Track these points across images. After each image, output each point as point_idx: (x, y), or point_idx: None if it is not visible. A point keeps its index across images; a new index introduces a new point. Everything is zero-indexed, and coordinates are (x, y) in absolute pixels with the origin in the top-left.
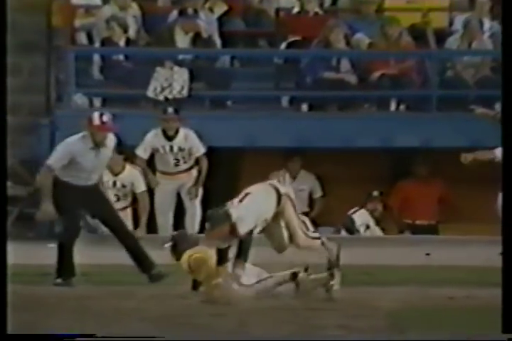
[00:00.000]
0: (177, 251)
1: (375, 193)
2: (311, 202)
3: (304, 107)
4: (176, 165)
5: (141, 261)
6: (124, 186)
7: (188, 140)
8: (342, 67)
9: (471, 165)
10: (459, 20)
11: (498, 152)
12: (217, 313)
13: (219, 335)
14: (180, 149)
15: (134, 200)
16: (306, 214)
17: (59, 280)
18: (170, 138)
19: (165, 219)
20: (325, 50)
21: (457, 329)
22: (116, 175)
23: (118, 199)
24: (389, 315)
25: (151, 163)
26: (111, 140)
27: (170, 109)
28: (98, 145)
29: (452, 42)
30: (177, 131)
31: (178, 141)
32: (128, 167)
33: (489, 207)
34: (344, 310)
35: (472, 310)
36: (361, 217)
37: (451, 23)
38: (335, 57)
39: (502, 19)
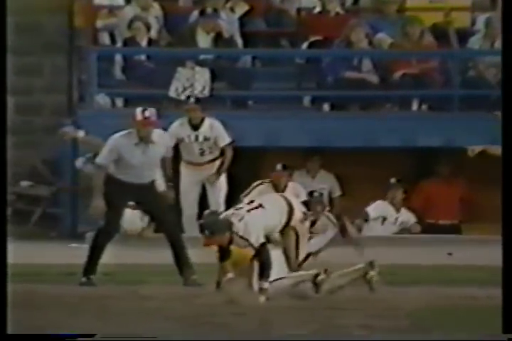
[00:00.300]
0: (208, 233)
1: (393, 180)
2: (331, 200)
3: (326, 107)
4: (202, 154)
5: (183, 264)
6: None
7: (214, 129)
8: (363, 67)
9: (477, 158)
10: (481, 19)
11: None
12: (238, 312)
13: (240, 334)
14: (206, 138)
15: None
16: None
17: (84, 280)
18: (195, 128)
19: (190, 210)
20: (346, 49)
21: (479, 330)
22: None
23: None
24: (411, 314)
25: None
26: (160, 136)
27: (191, 99)
28: (144, 140)
29: (474, 42)
30: (202, 121)
31: (204, 130)
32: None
33: None
34: (366, 310)
35: (494, 310)
36: (376, 209)
37: (473, 23)
38: (356, 57)
39: (502, 19)
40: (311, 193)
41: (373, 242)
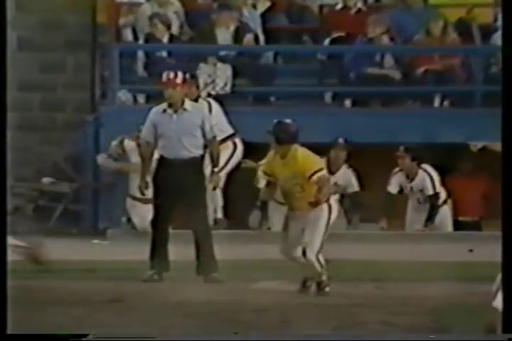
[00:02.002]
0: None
1: (401, 148)
2: (343, 196)
3: (348, 103)
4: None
5: (205, 259)
6: None
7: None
8: (386, 63)
9: (480, 154)
10: None
11: None
12: (259, 309)
13: (261, 331)
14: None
15: None
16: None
17: (150, 273)
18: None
19: None
20: (368, 45)
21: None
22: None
23: None
24: (432, 311)
25: None
26: (195, 106)
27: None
28: (173, 107)
29: (497, 38)
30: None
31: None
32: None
33: None
34: (387, 307)
35: None
36: (393, 185)
37: (496, 19)
38: (378, 53)
39: (502, 18)
40: None
41: (393, 238)
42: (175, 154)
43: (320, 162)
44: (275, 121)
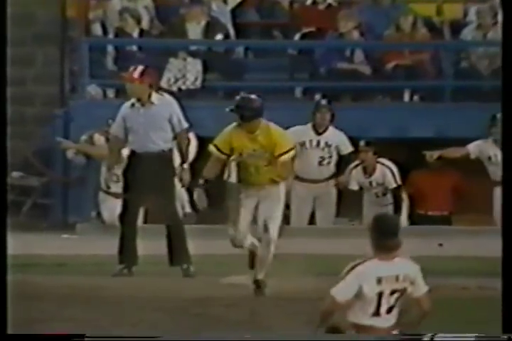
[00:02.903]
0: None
1: (362, 143)
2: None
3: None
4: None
5: (178, 252)
6: None
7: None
8: (356, 58)
9: (437, 163)
10: (474, 11)
11: (472, 147)
12: (229, 303)
13: (231, 326)
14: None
15: None
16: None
17: (120, 267)
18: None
19: None
20: (339, 40)
21: (470, 321)
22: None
23: None
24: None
25: None
26: (161, 99)
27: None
28: (140, 102)
29: (467, 34)
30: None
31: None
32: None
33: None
34: None
35: (485, 300)
36: (353, 182)
37: (465, 14)
38: (349, 48)
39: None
40: None
41: (359, 233)
42: (144, 148)
43: (292, 140)
44: (238, 97)
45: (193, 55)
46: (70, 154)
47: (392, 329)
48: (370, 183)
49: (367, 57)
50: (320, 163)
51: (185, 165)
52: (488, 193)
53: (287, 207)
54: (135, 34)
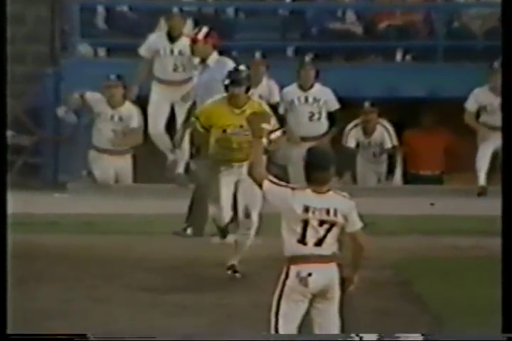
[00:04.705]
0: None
1: (367, 104)
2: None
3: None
4: (174, 70)
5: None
6: (121, 120)
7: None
8: (347, 19)
9: (429, 123)
10: None
11: (470, 104)
12: (220, 263)
13: (222, 286)
14: (181, 53)
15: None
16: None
17: (184, 225)
18: (172, 40)
19: (157, 129)
20: (330, 1)
21: (462, 279)
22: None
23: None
24: (394, 265)
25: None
26: (217, 61)
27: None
28: (201, 62)
29: None
30: (180, 34)
31: (181, 43)
32: (128, 102)
33: (495, 157)
34: (347, 260)
35: (477, 259)
36: (351, 139)
37: None
38: (340, 9)
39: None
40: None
41: (354, 192)
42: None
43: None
44: (228, 69)
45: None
46: (60, 112)
47: (330, 261)
48: (369, 143)
49: (359, 18)
50: (310, 119)
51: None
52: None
53: (284, 169)
54: None
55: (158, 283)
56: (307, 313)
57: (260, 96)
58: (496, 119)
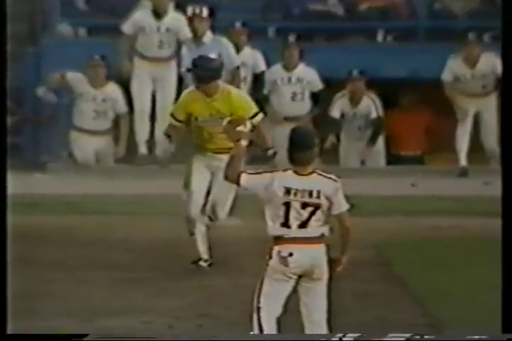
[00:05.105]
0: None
1: (355, 72)
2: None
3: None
4: (159, 47)
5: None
6: (104, 101)
7: (178, 21)
8: (329, 0)
9: (410, 103)
10: None
11: (446, 75)
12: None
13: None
14: (168, 30)
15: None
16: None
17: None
18: (159, 17)
19: (143, 105)
20: None
21: (443, 259)
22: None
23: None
24: (374, 245)
25: None
26: (212, 39)
27: None
28: (195, 39)
29: None
30: (167, 11)
31: (168, 21)
32: (111, 83)
33: (474, 137)
34: (330, 241)
35: (459, 239)
36: (336, 109)
37: None
38: None
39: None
40: None
41: (335, 173)
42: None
43: (255, 105)
44: (196, 56)
45: None
46: (40, 92)
47: (317, 242)
48: (355, 114)
49: (340, 0)
50: (293, 99)
51: None
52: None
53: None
54: None
55: (138, 263)
56: (296, 293)
57: (244, 64)
58: (471, 88)
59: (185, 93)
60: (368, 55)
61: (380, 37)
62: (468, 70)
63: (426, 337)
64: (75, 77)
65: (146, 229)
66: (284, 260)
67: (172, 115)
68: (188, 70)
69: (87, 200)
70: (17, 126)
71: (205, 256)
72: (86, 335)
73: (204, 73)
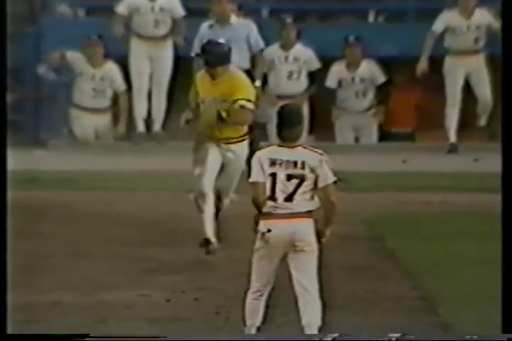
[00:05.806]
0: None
1: (351, 38)
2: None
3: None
4: (155, 26)
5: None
6: (102, 79)
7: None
8: None
9: (401, 80)
10: None
11: (438, 24)
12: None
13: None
14: (162, 9)
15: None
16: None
17: None
18: None
19: (140, 83)
20: None
21: (434, 233)
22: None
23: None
24: (366, 221)
25: None
26: (238, 21)
27: None
28: (218, 21)
29: None
30: None
31: (161, 0)
32: (109, 62)
33: (465, 114)
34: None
35: (448, 214)
36: (332, 78)
37: None
38: None
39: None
40: None
41: (328, 150)
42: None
43: (253, 93)
44: (205, 41)
45: None
46: (40, 70)
47: (305, 216)
48: (353, 79)
49: None
50: (289, 77)
51: (258, 83)
52: None
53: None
54: None
55: (137, 238)
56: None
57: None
58: (464, 42)
59: (197, 75)
60: (360, 35)
61: (371, 17)
62: (465, 21)
63: (424, 337)
64: (74, 56)
65: (145, 205)
66: (263, 236)
67: (189, 100)
68: (197, 55)
69: (86, 176)
70: (18, 103)
71: (213, 238)
72: (86, 335)
73: (212, 58)
